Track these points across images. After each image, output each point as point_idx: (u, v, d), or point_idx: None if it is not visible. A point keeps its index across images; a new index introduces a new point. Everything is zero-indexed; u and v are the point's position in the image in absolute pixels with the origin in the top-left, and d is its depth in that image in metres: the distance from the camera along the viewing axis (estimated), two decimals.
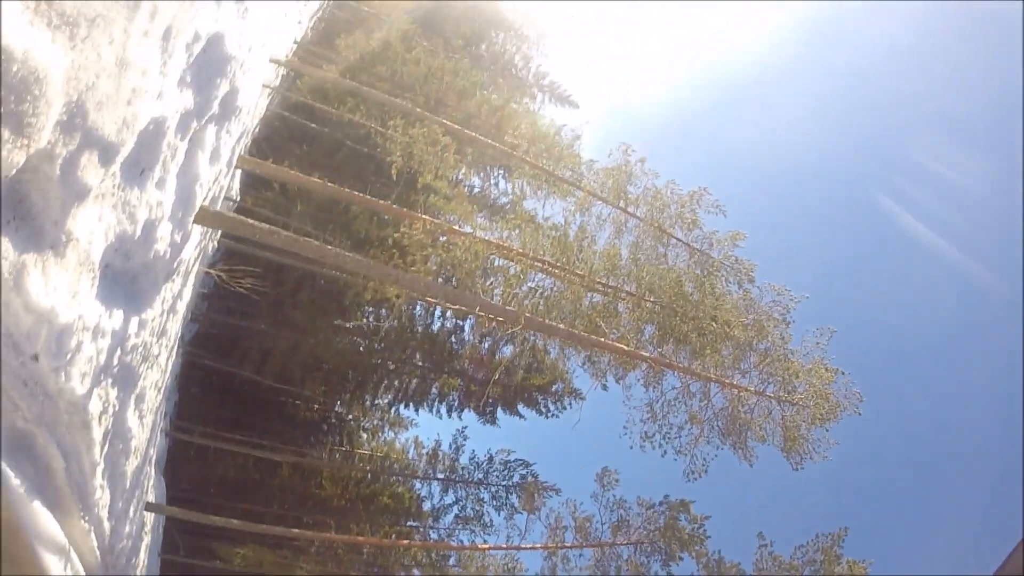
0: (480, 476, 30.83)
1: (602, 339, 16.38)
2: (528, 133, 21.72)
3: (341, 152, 25.16)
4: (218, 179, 12.75)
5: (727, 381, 17.77)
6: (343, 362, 28.03)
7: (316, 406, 33.18)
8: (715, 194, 19.59)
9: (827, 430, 17.32)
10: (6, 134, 3.70)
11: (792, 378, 17.60)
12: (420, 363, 30.70)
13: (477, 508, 30.26)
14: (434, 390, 31.48)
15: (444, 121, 20.08)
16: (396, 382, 31.60)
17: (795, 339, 18.35)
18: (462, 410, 31.69)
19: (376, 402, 33.25)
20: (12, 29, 3.43)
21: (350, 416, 34.44)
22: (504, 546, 22.26)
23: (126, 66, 4.79)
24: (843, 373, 17.66)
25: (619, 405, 18.07)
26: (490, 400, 30.44)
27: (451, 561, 25.65)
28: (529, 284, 17.98)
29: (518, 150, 20.37)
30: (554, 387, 30.54)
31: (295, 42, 20.28)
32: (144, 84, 5.29)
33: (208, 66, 7.38)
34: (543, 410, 31.25)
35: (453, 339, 30.44)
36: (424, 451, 32.66)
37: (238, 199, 19.95)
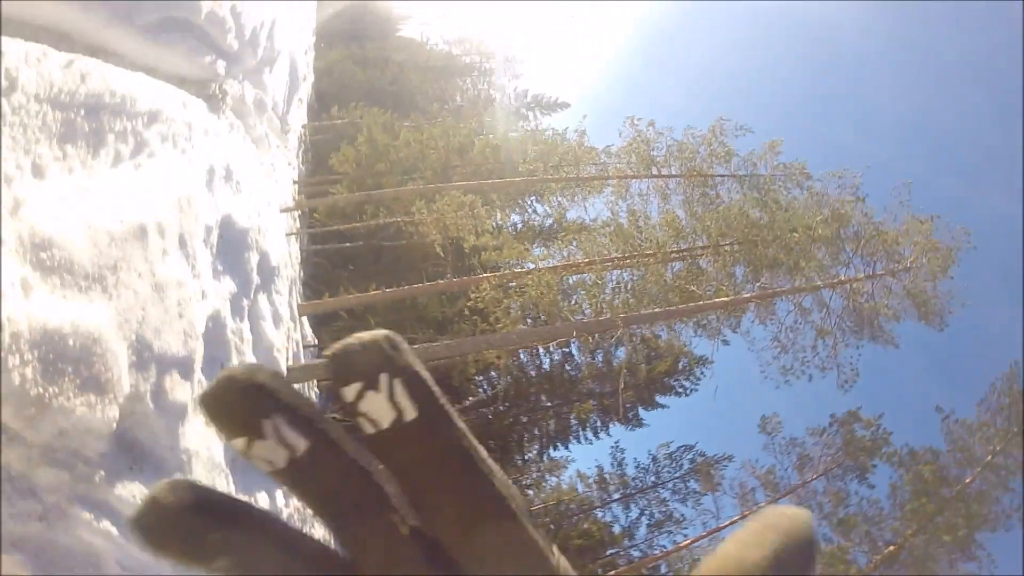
0: (652, 479, 31.54)
1: (700, 301, 17.01)
2: (539, 152, 22.71)
3: (383, 256, 26.59)
4: (289, 335, 14.09)
5: (834, 281, 18.22)
6: (479, 438, 29.21)
7: None
8: (732, 117, 20.38)
9: (951, 278, 17.74)
10: (92, 398, 3.96)
11: (893, 246, 18.05)
12: (548, 403, 31.79)
13: (663, 509, 30.87)
14: (572, 421, 32.32)
15: (459, 183, 21.27)
16: (535, 431, 32.71)
17: (877, 210, 18.88)
18: (607, 427, 32.43)
19: (526, 458, 34.32)
20: (51, 310, 3.64)
21: None
22: (705, 533, 22.74)
23: (163, 287, 5.30)
24: (937, 217, 18.09)
25: (747, 354, 18.65)
26: (627, 405, 31.17)
27: (663, 570, 26.22)
28: (610, 285, 18.85)
29: (538, 172, 21.26)
30: (680, 365, 31.18)
31: (294, 182, 21.84)
32: (186, 293, 5.87)
33: (231, 248, 8.21)
34: (679, 391, 31.84)
35: (567, 367, 31.54)
36: (590, 480, 33.56)
37: (316, 342, 21.43)
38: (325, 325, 23.91)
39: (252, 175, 10.51)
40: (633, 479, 31.97)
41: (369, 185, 23.17)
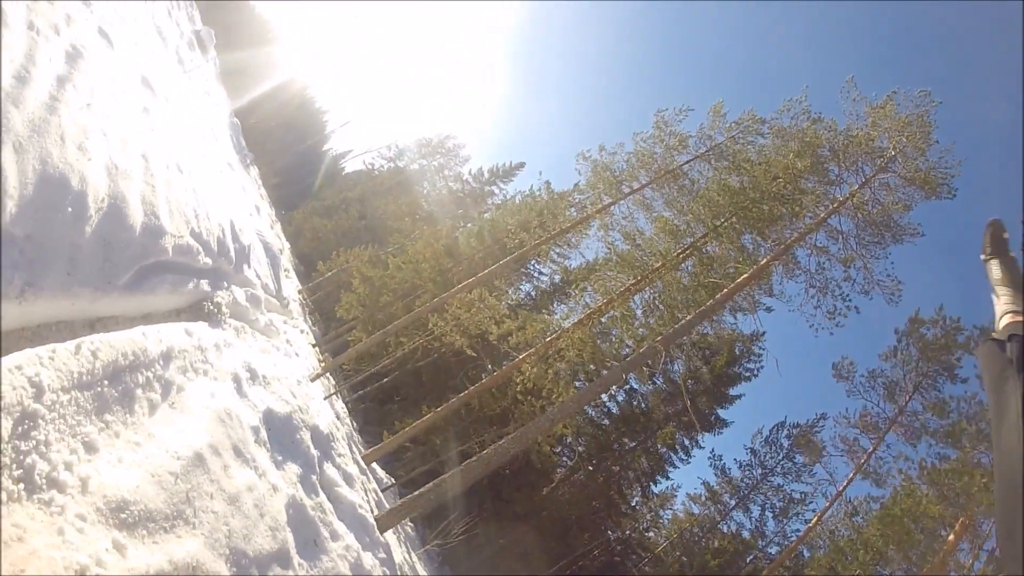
0: (759, 471, 31.26)
1: (724, 286, 16.99)
2: (519, 222, 23.20)
3: (422, 377, 26.99)
4: (365, 487, 14.31)
5: (833, 204, 18.33)
6: (580, 506, 29.11)
7: (596, 552, 33.96)
8: (668, 104, 20.90)
9: (936, 142, 17.65)
10: None
11: (869, 144, 18.18)
12: (631, 444, 31.70)
13: (781, 495, 30.59)
14: (661, 450, 32.24)
15: (461, 283, 21.69)
16: (630, 475, 32.58)
17: (839, 118, 19.11)
18: (695, 441, 32.33)
19: (633, 504, 34.06)
20: (148, 559, 3.79)
21: (627, 532, 35.16)
22: (830, 501, 22.46)
23: (236, 498, 5.47)
24: (893, 93, 18.22)
25: (791, 314, 18.67)
26: (704, 411, 31.13)
27: (806, 554, 25.79)
28: (638, 311, 19.11)
29: (527, 240, 21.67)
30: (736, 351, 31.23)
31: (313, 346, 22.29)
32: (259, 493, 6.06)
33: (282, 436, 8.47)
34: (746, 375, 31.84)
35: (634, 402, 31.59)
36: (702, 498, 33.31)
37: (392, 481, 21.60)
38: (395, 460, 24.13)
39: (274, 363, 10.89)
40: (741, 479, 31.67)
41: (380, 320, 23.71)
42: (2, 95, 3.83)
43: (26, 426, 3.45)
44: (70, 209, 4.28)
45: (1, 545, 2.92)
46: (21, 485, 3.29)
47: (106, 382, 4.45)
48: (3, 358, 3.48)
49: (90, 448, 4.00)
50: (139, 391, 4.94)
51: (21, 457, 3.35)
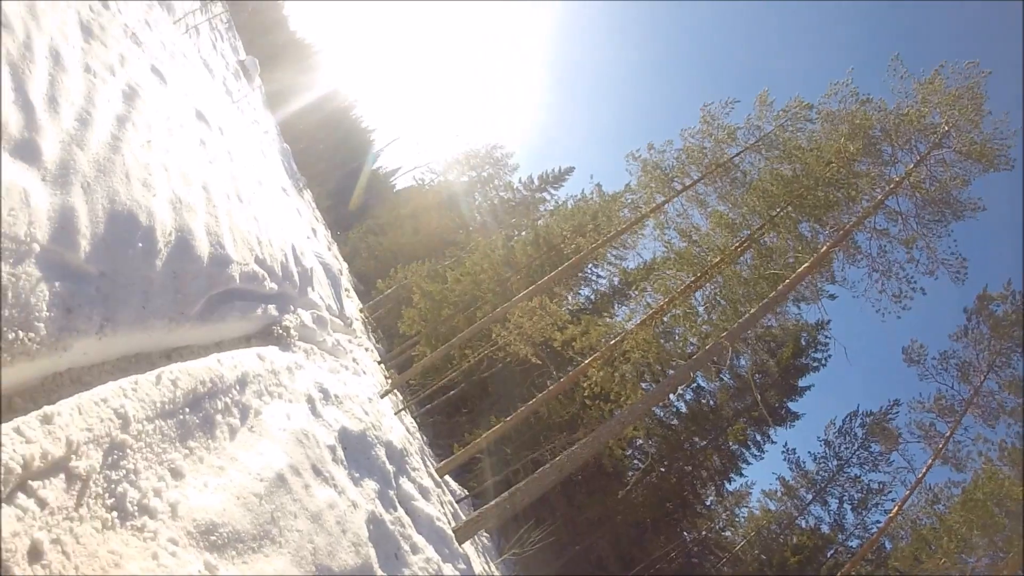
0: (835, 463, 30.63)
1: (786, 277, 16.74)
2: (574, 227, 23.18)
3: (489, 387, 27.14)
4: (440, 500, 14.37)
5: (889, 185, 17.86)
6: (654, 508, 28.89)
7: (672, 554, 33.58)
8: (713, 97, 20.62)
9: (989, 113, 17.13)
10: None
11: (921, 121, 17.68)
12: (702, 443, 31.34)
13: (859, 486, 29.91)
14: (733, 447, 31.82)
15: (521, 292, 21.72)
16: (703, 474, 32.21)
17: (887, 97, 18.70)
18: (767, 436, 31.85)
19: (708, 504, 33.67)
20: None
21: (704, 533, 34.74)
22: (909, 489, 21.85)
23: (319, 516, 5.59)
24: (942, 66, 17.71)
25: (855, 301, 18.25)
26: (775, 405, 30.65)
27: (887, 546, 25.17)
28: (700, 308, 18.90)
29: (584, 245, 21.60)
30: (803, 342, 30.72)
31: (378, 363, 22.54)
32: (340, 511, 6.15)
33: (358, 453, 8.57)
34: (814, 365, 31.27)
35: (702, 400, 31.25)
36: (778, 494, 32.75)
37: (465, 492, 21.70)
38: (467, 472, 24.23)
39: (344, 382, 11.02)
40: (817, 472, 31.07)
41: (443, 333, 23.89)
42: (63, 136, 3.94)
43: (115, 456, 3.54)
44: (140, 244, 4.39)
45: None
46: (114, 513, 3.38)
47: (187, 410, 4.55)
48: (89, 391, 3.59)
49: (177, 474, 4.10)
50: (219, 416, 5.04)
51: (113, 486, 3.44)
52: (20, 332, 3.16)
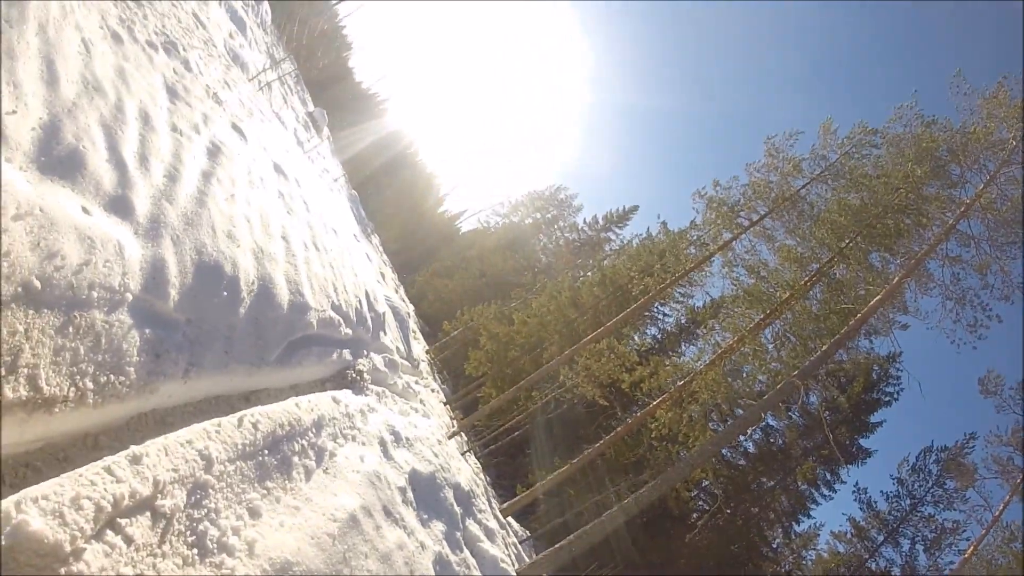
0: (907, 502, 29.49)
1: (857, 310, 16.33)
2: (641, 267, 23.03)
3: (554, 429, 27.00)
4: (505, 541, 14.25)
5: (960, 208, 17.22)
6: (719, 551, 28.13)
7: None
8: (775, 131, 20.34)
9: None
10: None
11: (988, 138, 17.12)
12: (770, 483, 30.55)
13: (933, 526, 28.70)
14: (802, 487, 30.94)
15: (588, 334, 21.63)
16: (771, 515, 31.31)
17: (952, 116, 18.15)
18: (837, 475, 30.88)
19: (775, 546, 32.69)
20: None
21: None
22: (986, 529, 20.83)
23: (388, 557, 5.68)
24: (1005, 77, 17.20)
25: (926, 331, 17.59)
26: (845, 443, 29.77)
27: None
28: (769, 345, 18.52)
29: (651, 285, 21.37)
30: (873, 375, 29.88)
31: (444, 404, 22.62)
32: (408, 552, 6.25)
33: (427, 495, 8.57)
34: (886, 400, 30.35)
35: (771, 439, 30.54)
36: (847, 535, 31.59)
37: (527, 533, 21.51)
38: (529, 514, 24.03)
39: (414, 424, 11.13)
40: (889, 512, 29.89)
41: (509, 375, 23.93)
42: (153, 191, 4.15)
43: (198, 496, 3.65)
44: (225, 293, 4.57)
45: None
46: (195, 550, 3.48)
47: (266, 451, 4.67)
48: (175, 433, 3.72)
49: (254, 514, 4.19)
50: (296, 458, 5.15)
51: (194, 524, 3.54)
52: (112, 376, 3.32)
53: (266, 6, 29.31)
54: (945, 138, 17.80)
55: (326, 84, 43.79)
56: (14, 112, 3.27)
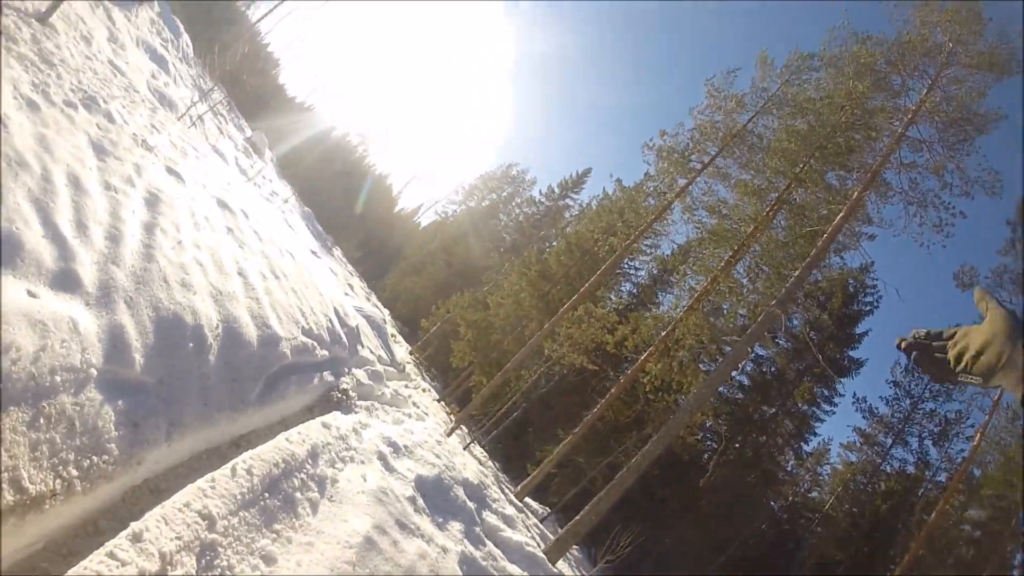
0: (907, 402, 30.15)
1: (823, 230, 16.54)
2: (603, 227, 23.06)
3: (550, 403, 27.09)
4: (526, 524, 14.38)
5: (907, 116, 17.46)
6: (735, 486, 28.44)
7: (763, 527, 32.81)
8: (712, 71, 20.40)
9: (990, 20, 16.86)
10: None
11: (924, 44, 17.42)
12: (771, 411, 30.93)
13: (936, 420, 29.37)
14: (803, 408, 31.35)
15: (564, 303, 21.67)
16: (778, 440, 31.71)
17: (888, 29, 18.34)
18: (834, 389, 31.32)
19: (789, 469, 33.16)
20: None
21: (790, 499, 34.00)
22: (987, 413, 21.05)
23: (412, 567, 5.74)
24: None
25: (894, 239, 17.85)
26: (835, 358, 30.20)
27: (976, 472, 24.43)
28: (743, 280, 18.69)
29: (616, 244, 21.42)
30: (850, 289, 30.27)
31: (438, 400, 22.60)
32: (431, 558, 6.23)
33: (437, 498, 8.62)
34: (867, 309, 30.80)
35: (763, 368, 30.88)
36: (857, 444, 32.20)
37: (547, 510, 21.64)
38: (545, 490, 24.18)
39: (410, 430, 11.08)
40: (892, 415, 30.57)
41: (495, 358, 23.93)
42: (97, 257, 4.03)
43: (208, 557, 3.59)
44: (191, 344, 4.46)
45: None
46: None
47: (267, 494, 4.60)
48: (171, 499, 3.65)
49: (269, 560, 4.14)
50: (298, 494, 5.09)
51: None
52: (94, 457, 3.23)
53: (186, 39, 28.69)
54: (882, 51, 18.03)
55: (260, 105, 43.19)
56: None
